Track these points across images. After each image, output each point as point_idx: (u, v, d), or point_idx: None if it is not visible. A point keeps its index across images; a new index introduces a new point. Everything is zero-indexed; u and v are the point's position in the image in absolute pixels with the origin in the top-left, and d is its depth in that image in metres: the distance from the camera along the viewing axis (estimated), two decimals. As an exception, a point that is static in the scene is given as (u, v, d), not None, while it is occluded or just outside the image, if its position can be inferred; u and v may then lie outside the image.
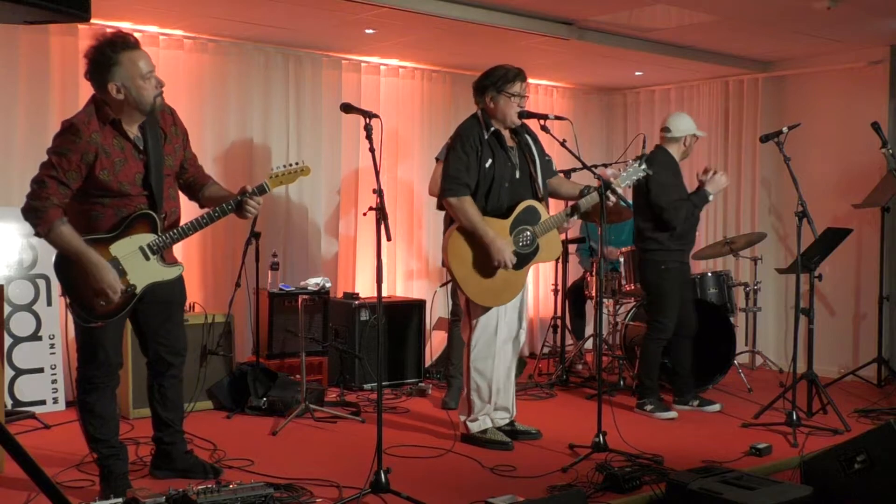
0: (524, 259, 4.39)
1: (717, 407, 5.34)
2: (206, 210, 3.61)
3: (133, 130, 3.45)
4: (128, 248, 3.41)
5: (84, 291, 3.37)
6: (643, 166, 4.56)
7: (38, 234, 3.33)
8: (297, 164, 3.72)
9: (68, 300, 3.43)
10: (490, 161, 4.35)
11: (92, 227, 3.38)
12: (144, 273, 3.46)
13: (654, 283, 5.36)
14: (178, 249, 3.78)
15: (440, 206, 4.61)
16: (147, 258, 3.45)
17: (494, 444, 4.44)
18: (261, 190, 3.58)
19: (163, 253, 3.52)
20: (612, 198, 4.33)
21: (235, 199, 3.55)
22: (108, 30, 3.73)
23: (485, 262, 4.32)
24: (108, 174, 3.34)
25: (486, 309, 4.43)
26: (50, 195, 3.27)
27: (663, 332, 5.32)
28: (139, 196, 3.44)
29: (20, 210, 3.36)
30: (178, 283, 3.70)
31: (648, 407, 5.30)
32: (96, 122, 3.34)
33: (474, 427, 4.52)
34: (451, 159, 4.39)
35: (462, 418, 4.59)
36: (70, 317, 3.50)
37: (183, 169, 3.69)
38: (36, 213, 3.28)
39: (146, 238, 3.45)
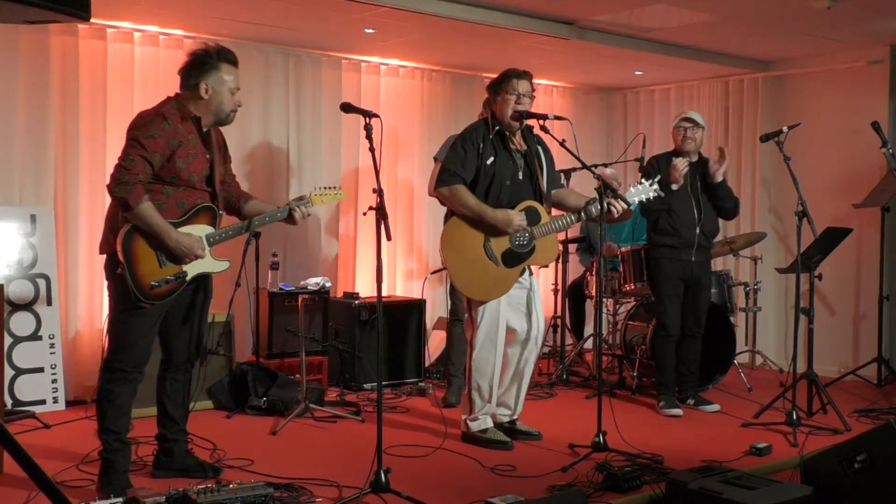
0: (518, 258, 4.40)
1: (715, 407, 5.36)
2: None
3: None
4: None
5: (141, 271, 3.49)
6: (655, 186, 4.56)
7: (125, 209, 3.47)
8: (335, 188, 4.02)
9: (128, 276, 3.48)
10: (492, 159, 4.38)
11: None
12: (197, 263, 3.63)
13: (650, 279, 5.57)
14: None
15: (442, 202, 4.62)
16: (202, 248, 3.62)
17: (494, 444, 4.44)
18: (305, 204, 3.85)
19: (212, 247, 3.69)
20: (618, 206, 4.34)
21: (287, 206, 3.82)
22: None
23: (476, 257, 4.35)
24: (184, 163, 3.56)
25: (488, 307, 4.43)
26: (138, 172, 3.46)
27: (663, 327, 5.41)
28: (201, 191, 3.67)
29: (107, 187, 3.50)
30: (211, 281, 3.85)
31: (661, 403, 5.37)
32: (179, 116, 3.59)
33: (475, 426, 4.53)
34: (448, 154, 4.47)
35: (463, 416, 4.60)
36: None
37: (226, 183, 3.87)
38: (127, 187, 3.43)
39: (205, 230, 3.66)
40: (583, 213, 4.47)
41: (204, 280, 3.77)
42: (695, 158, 5.41)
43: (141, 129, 3.51)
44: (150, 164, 3.47)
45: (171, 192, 3.57)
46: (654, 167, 5.36)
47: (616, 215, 4.38)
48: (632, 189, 4.53)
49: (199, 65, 3.63)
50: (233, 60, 3.69)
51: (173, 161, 3.53)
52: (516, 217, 4.31)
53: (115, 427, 3.60)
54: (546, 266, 4.63)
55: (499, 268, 4.36)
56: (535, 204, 4.43)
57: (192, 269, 3.62)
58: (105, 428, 3.60)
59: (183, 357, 3.83)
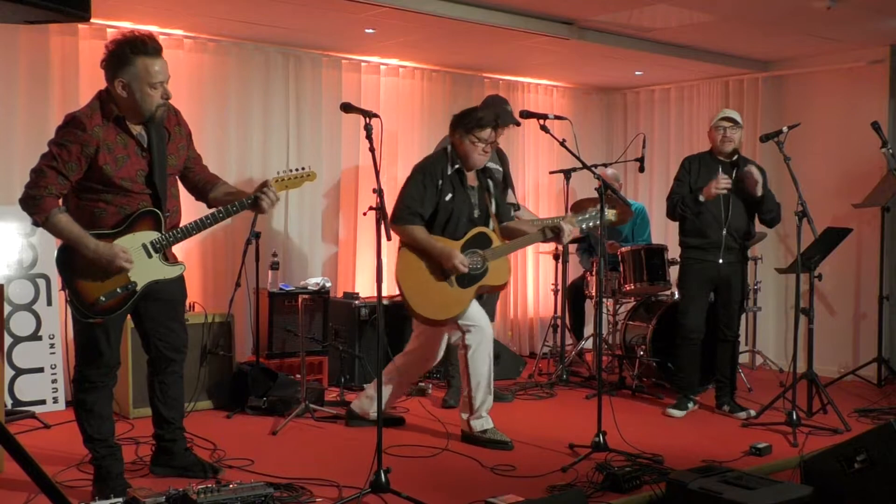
0: (472, 279, 4.47)
1: (743, 414, 5.24)
2: (211, 210, 3.63)
3: (136, 128, 3.46)
4: (129, 246, 3.42)
5: (85, 286, 3.39)
6: (596, 216, 4.47)
7: (35, 224, 3.35)
8: (303, 168, 3.75)
9: (68, 295, 3.43)
10: (450, 195, 4.46)
11: (95, 224, 3.40)
12: (146, 271, 3.47)
13: (678, 280, 5.48)
14: (178, 248, 3.77)
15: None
16: (149, 256, 3.47)
17: (494, 444, 4.45)
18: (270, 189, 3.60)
19: (165, 252, 3.53)
20: (564, 233, 4.38)
21: (252, 195, 3.57)
22: (130, 30, 3.80)
23: (431, 279, 4.40)
24: (111, 168, 3.35)
25: (469, 310, 4.47)
26: (48, 184, 3.29)
27: (682, 329, 5.35)
28: (141, 194, 3.46)
29: (18, 200, 3.37)
30: (180, 281, 3.72)
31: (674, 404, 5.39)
32: (99, 117, 3.36)
33: (477, 426, 4.54)
34: (409, 186, 4.48)
35: (464, 416, 4.60)
36: (69, 316, 3.51)
37: (188, 169, 3.71)
38: (34, 202, 3.30)
39: (149, 236, 3.47)
40: (542, 235, 4.50)
41: (174, 282, 3.62)
42: (734, 157, 5.28)
43: (56, 135, 3.34)
44: (62, 174, 3.28)
45: (110, 199, 3.39)
46: (687, 170, 5.29)
47: (565, 240, 4.45)
48: (579, 217, 4.48)
49: (112, 59, 3.33)
50: (151, 51, 3.34)
51: (98, 167, 3.31)
52: (458, 258, 4.36)
53: (99, 434, 3.57)
54: (501, 287, 4.65)
55: (454, 288, 4.42)
56: (485, 229, 4.53)
57: (140, 278, 3.45)
58: (89, 437, 3.57)
59: (167, 358, 3.75)
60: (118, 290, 3.42)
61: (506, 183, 5.58)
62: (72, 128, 3.32)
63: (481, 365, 4.51)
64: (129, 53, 3.31)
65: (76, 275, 3.39)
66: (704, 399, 5.68)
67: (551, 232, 4.45)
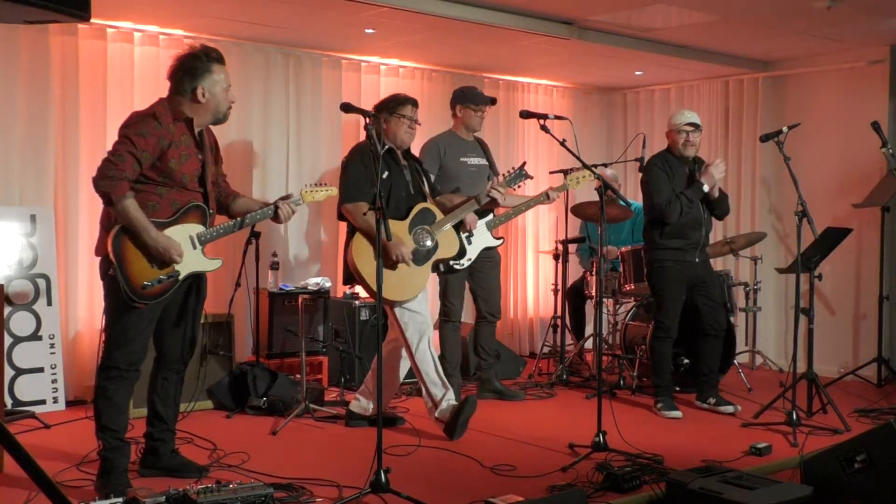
0: (425, 256, 4.65)
1: (731, 409, 5.28)
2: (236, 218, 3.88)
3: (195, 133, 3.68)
4: (178, 236, 3.60)
5: (133, 270, 3.50)
6: (524, 172, 5.01)
7: (108, 203, 3.49)
8: (326, 184, 4.11)
9: (119, 278, 3.48)
10: (387, 173, 4.63)
11: (147, 214, 3.53)
12: (189, 261, 3.63)
13: (650, 281, 5.52)
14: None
15: (340, 216, 4.74)
16: (194, 247, 3.64)
17: (467, 408, 4.58)
18: (295, 202, 3.88)
19: (204, 246, 3.70)
20: (498, 193, 4.87)
21: (273, 205, 3.84)
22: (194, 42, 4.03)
23: (387, 261, 4.47)
24: (176, 163, 3.56)
25: (407, 305, 4.57)
26: (125, 169, 3.45)
27: (662, 330, 5.39)
28: (194, 191, 3.67)
29: (92, 179, 3.49)
30: (205, 281, 3.86)
31: (659, 405, 5.37)
32: (171, 116, 3.60)
33: (443, 412, 4.62)
34: (351, 171, 4.64)
35: (429, 407, 4.69)
36: (100, 307, 3.63)
37: (216, 183, 3.88)
38: (111, 182, 3.43)
39: (196, 228, 3.66)
40: (478, 201, 4.85)
41: (198, 279, 3.78)
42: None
43: (132, 126, 3.53)
44: (138, 161, 3.47)
45: (164, 192, 3.58)
46: (663, 169, 5.32)
47: (501, 202, 4.89)
48: (507, 179, 4.95)
49: (191, 69, 3.62)
50: (221, 59, 3.71)
51: (165, 161, 3.53)
52: (404, 249, 4.52)
53: (113, 425, 3.61)
54: (453, 257, 4.90)
55: (410, 267, 4.55)
56: (427, 205, 4.73)
57: (184, 268, 3.63)
58: (103, 426, 3.61)
59: (175, 356, 3.84)
60: (163, 276, 3.56)
61: (493, 172, 5.70)
62: (150, 120, 3.53)
63: (428, 360, 4.63)
64: (206, 62, 3.63)
65: (128, 259, 3.50)
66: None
67: (487, 196, 4.88)
